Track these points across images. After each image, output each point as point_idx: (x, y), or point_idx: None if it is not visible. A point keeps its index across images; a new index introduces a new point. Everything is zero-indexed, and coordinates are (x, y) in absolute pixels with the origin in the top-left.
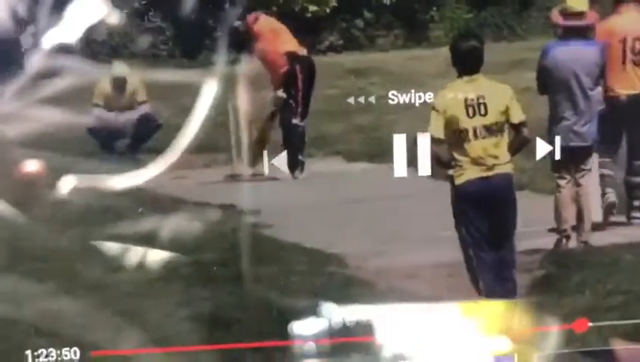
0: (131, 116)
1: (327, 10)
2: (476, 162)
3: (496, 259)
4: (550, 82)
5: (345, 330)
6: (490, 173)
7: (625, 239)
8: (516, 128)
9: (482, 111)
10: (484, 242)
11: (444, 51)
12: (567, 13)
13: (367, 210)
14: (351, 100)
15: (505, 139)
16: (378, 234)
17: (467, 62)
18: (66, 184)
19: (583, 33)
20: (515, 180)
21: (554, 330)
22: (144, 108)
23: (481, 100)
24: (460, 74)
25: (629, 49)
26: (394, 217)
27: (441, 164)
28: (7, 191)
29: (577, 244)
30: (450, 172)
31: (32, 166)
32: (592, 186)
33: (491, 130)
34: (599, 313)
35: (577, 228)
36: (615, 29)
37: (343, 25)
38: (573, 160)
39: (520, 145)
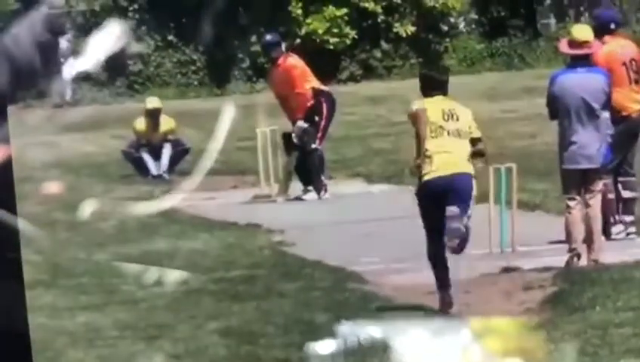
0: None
1: (347, 42)
2: (443, 159)
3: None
4: (559, 108)
5: (360, 348)
6: (452, 172)
7: (633, 257)
8: (475, 141)
9: (455, 119)
10: (441, 227)
11: (458, 79)
12: (573, 43)
13: (386, 230)
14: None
15: (468, 147)
16: (396, 252)
17: (437, 87)
18: (96, 206)
19: (589, 60)
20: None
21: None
22: (173, 137)
23: (453, 111)
24: (429, 95)
25: (631, 70)
26: (411, 236)
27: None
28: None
29: (588, 262)
30: (423, 171)
31: (52, 187)
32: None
33: (461, 133)
34: (610, 328)
35: (588, 247)
36: (615, 55)
37: (362, 56)
38: (582, 182)
39: (478, 155)
